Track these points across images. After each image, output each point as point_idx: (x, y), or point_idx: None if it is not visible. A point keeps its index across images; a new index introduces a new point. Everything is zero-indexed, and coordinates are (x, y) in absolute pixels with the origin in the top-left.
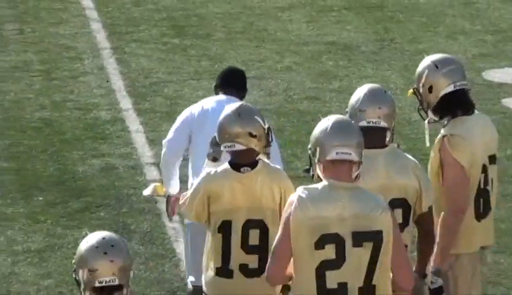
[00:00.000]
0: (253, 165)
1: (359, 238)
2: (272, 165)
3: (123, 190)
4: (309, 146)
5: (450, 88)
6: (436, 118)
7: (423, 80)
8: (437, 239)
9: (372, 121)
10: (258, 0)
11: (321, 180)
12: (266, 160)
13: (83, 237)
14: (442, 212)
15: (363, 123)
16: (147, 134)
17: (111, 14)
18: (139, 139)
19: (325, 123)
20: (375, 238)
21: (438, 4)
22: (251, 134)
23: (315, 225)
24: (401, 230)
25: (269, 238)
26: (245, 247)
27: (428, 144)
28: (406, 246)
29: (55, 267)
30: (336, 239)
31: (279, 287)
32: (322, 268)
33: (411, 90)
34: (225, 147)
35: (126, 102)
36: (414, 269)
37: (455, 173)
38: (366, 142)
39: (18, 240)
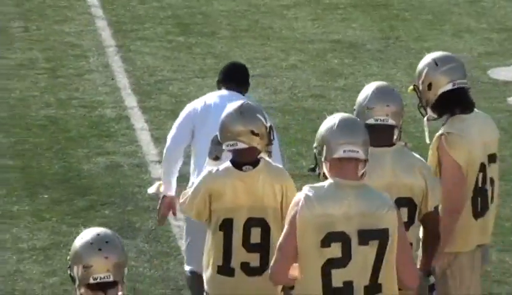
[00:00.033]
0: (255, 163)
1: (365, 236)
2: (273, 163)
3: (128, 188)
4: (315, 145)
5: (449, 87)
6: (435, 116)
7: (422, 78)
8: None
9: (380, 119)
10: None
11: (327, 178)
12: (267, 158)
13: None
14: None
15: (371, 121)
16: (151, 132)
17: (116, 12)
18: (144, 137)
19: (331, 121)
20: (381, 236)
21: (444, 2)
22: (253, 133)
23: (321, 223)
24: (406, 228)
25: (271, 236)
26: (247, 245)
27: (428, 141)
28: (411, 244)
29: (60, 265)
30: (342, 238)
31: (280, 286)
32: (328, 267)
33: (411, 87)
34: (227, 145)
35: (131, 100)
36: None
37: (452, 172)
38: (373, 140)
39: (23, 238)
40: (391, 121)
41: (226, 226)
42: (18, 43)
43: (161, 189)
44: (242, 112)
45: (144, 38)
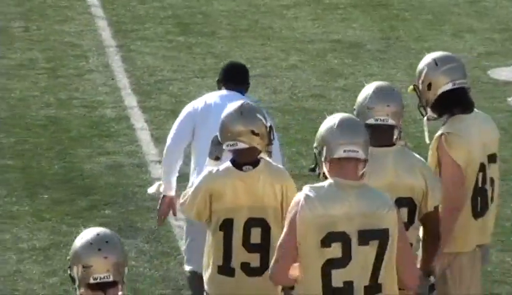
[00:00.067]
0: (255, 163)
1: (365, 236)
2: (274, 163)
3: (128, 188)
4: (315, 145)
5: (449, 86)
6: (435, 116)
7: (422, 77)
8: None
9: (380, 119)
10: None
11: (327, 178)
12: (267, 158)
13: None
14: None
15: (371, 121)
16: (152, 132)
17: (116, 12)
18: (144, 136)
19: (331, 121)
20: (381, 236)
21: (444, 2)
22: (253, 133)
23: (322, 223)
24: (406, 228)
25: (271, 236)
26: (247, 245)
27: (428, 141)
28: (411, 244)
29: (60, 265)
30: (342, 238)
31: (280, 286)
32: (328, 267)
33: (411, 87)
34: (227, 145)
35: (131, 100)
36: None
37: (451, 172)
38: (374, 140)
39: (24, 238)
40: (391, 121)
41: (227, 226)
42: (18, 43)
43: (161, 189)
44: (242, 112)
45: (144, 38)
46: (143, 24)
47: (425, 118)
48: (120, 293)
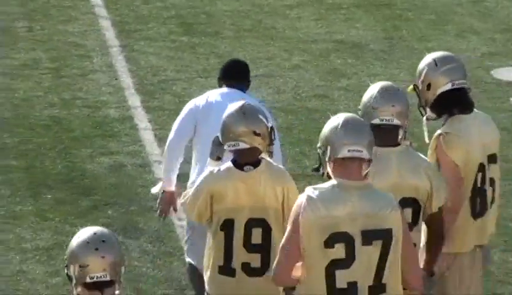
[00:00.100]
0: (256, 163)
1: (369, 236)
2: (275, 164)
3: (131, 188)
4: (319, 145)
5: (448, 87)
6: (434, 116)
7: (422, 77)
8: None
9: (386, 119)
10: None
11: (331, 178)
12: (268, 159)
13: None
14: None
15: (376, 121)
16: (155, 132)
17: (120, 11)
18: (148, 137)
19: (335, 121)
20: (385, 236)
21: (447, 2)
22: (255, 133)
23: (325, 224)
24: (410, 229)
25: (272, 237)
26: (248, 246)
27: (427, 141)
28: (415, 245)
29: (63, 265)
30: (345, 238)
31: (281, 287)
32: (332, 268)
33: (411, 86)
34: (229, 146)
35: (134, 100)
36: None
37: (449, 172)
38: (378, 140)
39: (27, 238)
40: (396, 122)
41: (228, 226)
42: (21, 43)
43: (161, 184)
44: (244, 113)
45: (148, 38)
46: (147, 24)
47: (425, 118)
48: (116, 292)
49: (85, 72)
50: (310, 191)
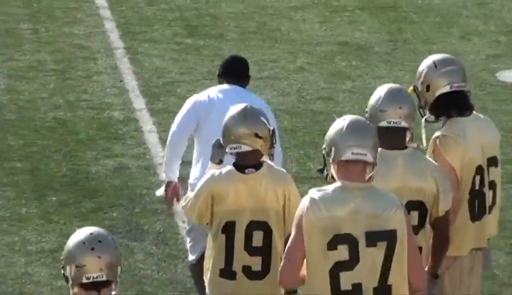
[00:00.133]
0: (257, 166)
1: (373, 237)
2: (276, 167)
3: (135, 191)
4: (324, 146)
5: (446, 89)
6: (433, 118)
7: (422, 79)
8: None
9: (393, 122)
10: (271, 0)
11: (334, 180)
12: (269, 162)
13: None
14: None
15: (384, 124)
16: (160, 135)
17: (124, 13)
18: (152, 139)
19: (341, 123)
20: (389, 237)
21: (452, 5)
22: (257, 136)
23: (327, 225)
24: (416, 232)
25: (273, 240)
26: (249, 249)
27: (424, 143)
28: (421, 248)
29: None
30: (348, 240)
31: (282, 290)
32: (336, 270)
33: (411, 88)
34: (231, 148)
35: (139, 102)
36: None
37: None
38: (386, 142)
39: (32, 240)
40: (404, 124)
41: (229, 229)
42: (26, 45)
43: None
44: (246, 115)
45: (152, 40)
46: (152, 26)
47: (423, 120)
48: (113, 293)
49: (89, 74)
50: (314, 193)
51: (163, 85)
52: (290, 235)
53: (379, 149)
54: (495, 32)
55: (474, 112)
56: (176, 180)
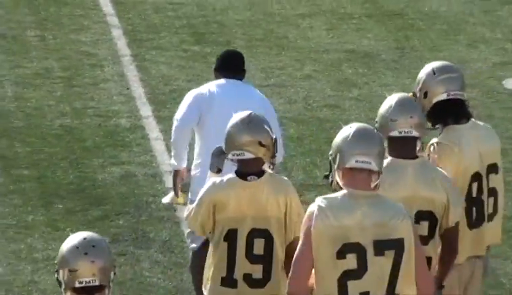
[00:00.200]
0: (259, 174)
1: (380, 246)
2: (278, 175)
3: (142, 198)
4: (330, 152)
5: (443, 97)
6: (429, 125)
7: (420, 85)
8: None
9: (404, 131)
10: (279, 8)
11: (339, 187)
12: (270, 171)
13: None
14: None
15: (395, 133)
16: (166, 142)
17: (132, 21)
18: (159, 146)
19: (347, 130)
20: (396, 246)
21: (459, 12)
22: (260, 144)
23: (336, 234)
24: (426, 242)
25: (274, 248)
26: (250, 256)
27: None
28: (430, 258)
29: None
30: (357, 249)
31: None
32: (344, 278)
33: (410, 94)
34: (233, 155)
35: (146, 110)
36: None
37: None
38: (396, 152)
39: (38, 248)
40: (415, 133)
41: (231, 237)
42: (34, 53)
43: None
44: (250, 123)
45: (159, 47)
46: (159, 33)
47: None
48: None
49: (96, 82)
50: (321, 201)
51: (170, 93)
52: (291, 242)
53: (390, 158)
54: (502, 39)
55: (472, 119)
56: (184, 166)
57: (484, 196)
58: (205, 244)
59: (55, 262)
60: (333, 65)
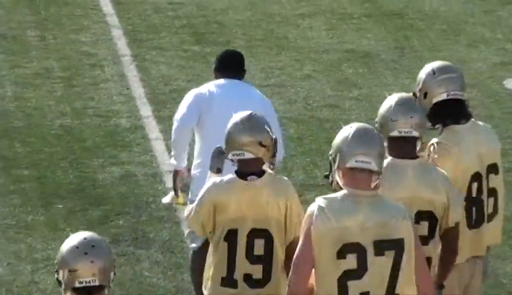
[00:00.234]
0: (259, 174)
1: (381, 246)
2: (278, 176)
3: (142, 198)
4: (330, 152)
5: (443, 97)
6: (429, 125)
7: (420, 85)
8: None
9: (405, 131)
10: (278, 8)
11: (339, 187)
12: (270, 171)
13: None
14: None
15: (395, 133)
16: (166, 142)
17: (132, 21)
18: (159, 146)
19: (347, 130)
20: (396, 246)
21: (459, 12)
22: (261, 144)
23: (336, 235)
24: (426, 242)
25: (274, 248)
26: (250, 257)
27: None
28: (430, 258)
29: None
30: (357, 249)
31: None
32: (344, 278)
33: (411, 94)
34: (233, 155)
35: (146, 110)
36: None
37: None
38: (396, 152)
39: (38, 248)
40: (415, 133)
41: (231, 237)
42: (33, 53)
43: (182, 201)
44: (250, 123)
45: (159, 47)
46: (159, 33)
47: None
48: None
49: (96, 82)
50: (321, 201)
51: (170, 93)
52: (290, 243)
53: (390, 158)
54: (502, 40)
55: (472, 119)
56: (185, 165)
57: (484, 197)
58: (205, 244)
59: (55, 262)
60: (333, 65)
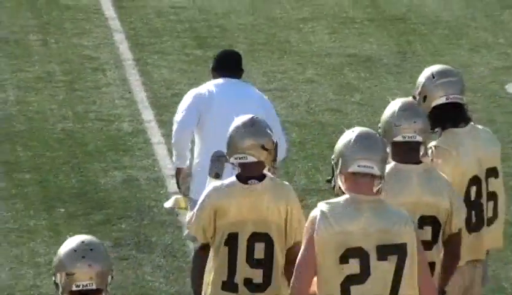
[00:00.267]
0: (260, 178)
1: (383, 251)
2: (279, 180)
3: (144, 202)
4: (332, 157)
5: (442, 100)
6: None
7: (419, 89)
8: None
9: (408, 136)
10: (281, 12)
11: (342, 192)
12: (271, 175)
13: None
14: None
15: (399, 139)
16: (168, 146)
17: (134, 25)
18: (161, 151)
19: (349, 135)
20: (399, 251)
21: (461, 17)
22: (263, 147)
23: (339, 240)
24: (429, 247)
25: (274, 252)
26: (250, 261)
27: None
28: (434, 263)
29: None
30: (360, 254)
31: None
32: (347, 283)
33: (410, 98)
34: (236, 158)
35: (148, 114)
36: None
37: None
38: (400, 157)
39: (40, 252)
40: (419, 138)
41: (231, 241)
42: (36, 57)
43: (184, 205)
44: (252, 127)
45: (161, 51)
46: (161, 37)
47: None
48: None
49: (98, 86)
50: (323, 206)
51: (172, 97)
52: (291, 247)
53: (393, 163)
54: (504, 44)
55: (471, 123)
56: (186, 165)
57: (483, 200)
58: (205, 246)
59: (53, 264)
60: (335, 69)
